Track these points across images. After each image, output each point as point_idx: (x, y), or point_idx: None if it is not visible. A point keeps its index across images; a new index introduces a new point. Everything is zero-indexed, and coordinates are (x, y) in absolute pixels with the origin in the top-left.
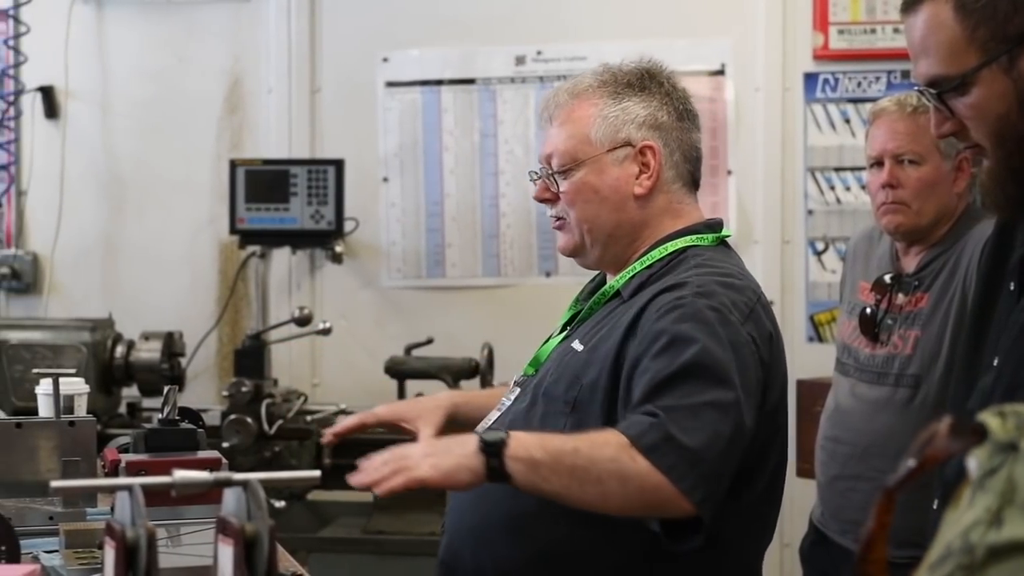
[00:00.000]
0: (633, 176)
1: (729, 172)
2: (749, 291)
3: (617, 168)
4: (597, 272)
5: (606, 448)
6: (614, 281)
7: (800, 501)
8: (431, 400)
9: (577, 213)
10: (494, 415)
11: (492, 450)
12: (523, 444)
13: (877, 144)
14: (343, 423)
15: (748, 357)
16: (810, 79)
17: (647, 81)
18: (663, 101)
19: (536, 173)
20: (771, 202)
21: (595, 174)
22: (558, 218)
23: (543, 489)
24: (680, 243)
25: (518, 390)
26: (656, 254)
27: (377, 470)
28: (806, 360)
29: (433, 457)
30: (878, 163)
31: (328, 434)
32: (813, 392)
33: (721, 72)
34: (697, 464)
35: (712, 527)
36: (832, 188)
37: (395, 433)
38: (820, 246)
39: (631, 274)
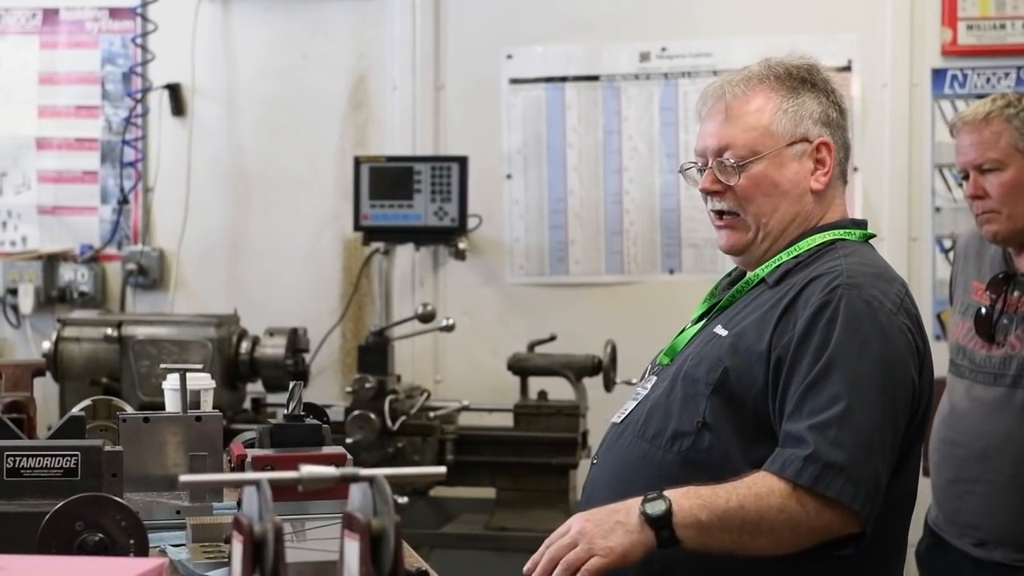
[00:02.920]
0: (809, 172)
1: (855, 168)
2: (899, 283)
3: (796, 163)
4: (733, 268)
5: (771, 498)
6: (759, 270)
7: (918, 501)
8: None
9: (755, 207)
10: (630, 404)
11: (660, 523)
12: (687, 510)
13: (960, 157)
14: None
15: (902, 346)
16: (938, 75)
17: (815, 77)
18: (830, 99)
19: (692, 163)
20: (898, 199)
21: (775, 168)
22: (725, 213)
23: (712, 547)
24: (829, 236)
25: (654, 379)
26: (803, 245)
27: None
28: (933, 358)
29: (601, 539)
30: (967, 176)
31: None
32: (940, 390)
33: (848, 68)
34: (854, 474)
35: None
36: (960, 185)
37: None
38: (947, 243)
39: (777, 263)
